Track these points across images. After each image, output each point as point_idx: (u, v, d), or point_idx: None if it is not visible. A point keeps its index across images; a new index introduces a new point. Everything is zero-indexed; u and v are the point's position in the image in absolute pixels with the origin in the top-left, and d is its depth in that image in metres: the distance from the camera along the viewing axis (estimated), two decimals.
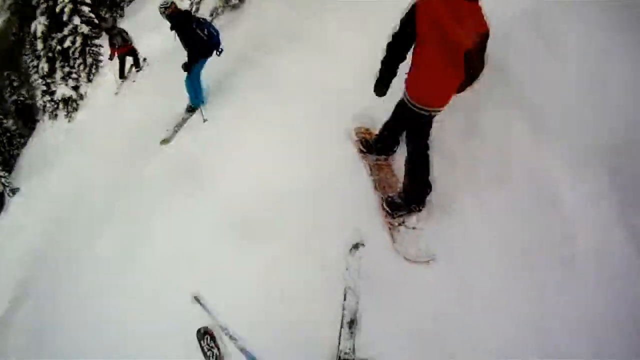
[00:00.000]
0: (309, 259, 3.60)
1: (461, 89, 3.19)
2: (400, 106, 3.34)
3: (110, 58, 11.55)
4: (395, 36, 3.04)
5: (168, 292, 4.14)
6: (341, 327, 3.15)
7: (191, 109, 7.03)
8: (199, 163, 5.63)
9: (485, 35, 2.90)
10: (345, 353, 3.09)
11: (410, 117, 3.24)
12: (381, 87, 3.35)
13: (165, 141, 6.90)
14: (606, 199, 3.05)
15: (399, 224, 3.49)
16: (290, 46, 6.49)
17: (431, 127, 3.32)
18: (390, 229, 3.49)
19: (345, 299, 3.27)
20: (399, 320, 3.06)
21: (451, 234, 3.33)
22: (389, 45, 3.12)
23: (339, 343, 3.12)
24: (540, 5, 4.03)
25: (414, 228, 3.44)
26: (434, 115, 3.23)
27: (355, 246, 3.49)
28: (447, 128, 3.64)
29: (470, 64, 2.96)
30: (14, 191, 23.76)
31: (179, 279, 4.19)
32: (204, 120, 6.48)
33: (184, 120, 7.06)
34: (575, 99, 3.44)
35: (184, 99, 7.05)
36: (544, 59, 3.75)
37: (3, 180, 25.54)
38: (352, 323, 3.18)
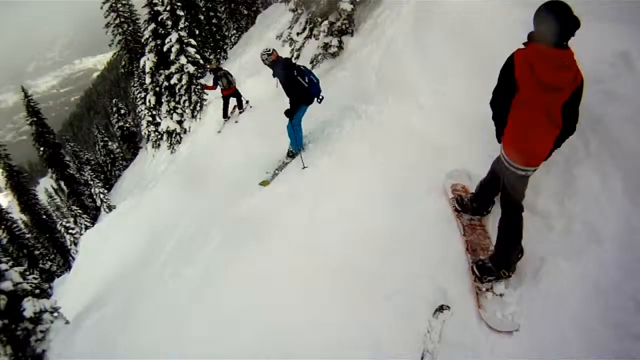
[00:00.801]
0: (391, 312, 3.57)
1: (558, 144, 3.12)
2: (497, 165, 3.32)
3: (212, 87, 12.01)
4: (495, 91, 3.09)
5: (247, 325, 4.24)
6: None
7: (291, 154, 7.20)
8: (294, 208, 5.72)
9: (581, 84, 2.84)
10: None
11: (506, 176, 3.17)
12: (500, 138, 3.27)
13: (265, 182, 7.07)
14: None
15: (487, 289, 3.39)
16: (389, 96, 6.54)
17: (526, 186, 3.23)
18: (477, 293, 3.40)
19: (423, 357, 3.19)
20: None
21: (540, 304, 3.13)
22: (492, 102, 3.16)
23: None
24: (633, 44, 3.83)
25: (501, 295, 3.31)
26: (530, 174, 3.13)
27: (440, 309, 3.40)
28: (541, 187, 3.56)
29: (567, 116, 2.91)
30: (110, 208, 25.67)
31: (262, 321, 4.22)
32: (303, 167, 6.55)
33: (284, 164, 7.21)
34: None
35: (284, 143, 7.28)
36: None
37: (102, 196, 27.73)
38: None
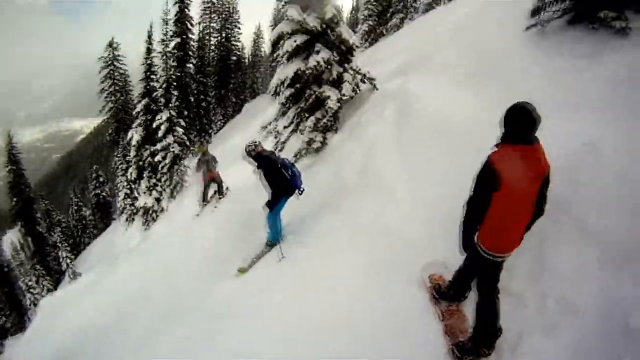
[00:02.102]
0: None
1: (529, 227, 3.39)
2: (473, 254, 3.46)
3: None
4: (475, 201, 3.27)
5: None
6: None
7: (270, 244, 7.20)
8: (269, 297, 5.73)
9: (549, 173, 3.16)
10: None
11: (483, 265, 3.41)
12: (466, 245, 3.46)
13: (242, 270, 7.03)
14: None
15: None
16: (366, 191, 6.80)
17: (501, 271, 3.46)
18: None
19: None
20: None
21: None
22: (471, 210, 3.32)
23: None
24: (602, 135, 4.40)
25: None
26: (505, 260, 3.39)
27: None
28: (515, 269, 3.79)
29: (539, 203, 3.22)
30: (75, 274, 24.70)
31: None
32: (281, 258, 6.57)
33: (263, 253, 7.20)
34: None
35: (263, 233, 7.34)
36: (604, 184, 3.98)
37: (68, 261, 26.78)
38: None
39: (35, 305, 25.79)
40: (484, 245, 3.29)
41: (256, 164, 6.77)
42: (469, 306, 4.00)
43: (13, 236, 42.24)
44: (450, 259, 4.38)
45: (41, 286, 28.22)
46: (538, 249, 3.91)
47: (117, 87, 29.53)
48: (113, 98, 29.58)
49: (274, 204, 6.77)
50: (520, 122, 3.00)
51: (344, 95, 9.64)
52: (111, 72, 29.08)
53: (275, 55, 10.05)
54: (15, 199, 30.10)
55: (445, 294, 4.20)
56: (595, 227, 3.79)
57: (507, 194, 3.06)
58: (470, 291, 4.02)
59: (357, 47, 10.14)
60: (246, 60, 40.07)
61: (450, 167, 5.65)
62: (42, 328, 14.01)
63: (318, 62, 8.95)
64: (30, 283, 28.23)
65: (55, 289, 26.23)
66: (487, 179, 3.09)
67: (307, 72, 9.11)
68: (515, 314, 3.60)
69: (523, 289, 3.76)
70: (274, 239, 7.08)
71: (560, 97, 5.53)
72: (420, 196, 5.73)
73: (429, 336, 3.89)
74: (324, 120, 9.43)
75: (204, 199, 12.41)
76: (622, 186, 3.89)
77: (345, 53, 9.83)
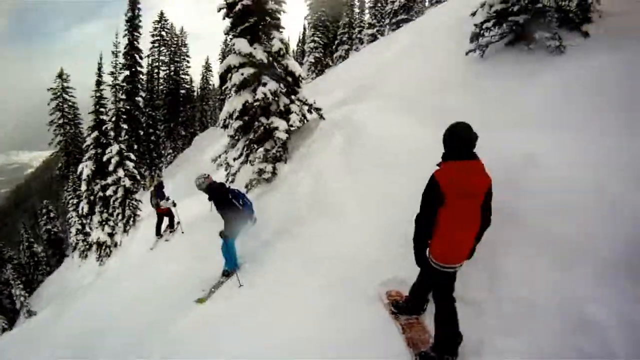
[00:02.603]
0: None
1: (479, 238, 3.60)
2: (426, 267, 3.61)
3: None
4: (423, 207, 3.42)
5: None
6: None
7: (227, 274, 7.24)
8: (229, 325, 5.71)
9: (490, 185, 3.38)
10: None
11: (436, 277, 3.55)
12: (420, 259, 3.58)
13: (201, 300, 7.00)
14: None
15: None
16: (319, 217, 6.99)
17: (455, 280, 3.60)
18: None
19: None
20: None
21: None
22: (420, 226, 3.47)
23: None
24: (537, 147, 4.74)
25: None
26: (458, 270, 3.55)
27: None
28: (470, 279, 3.92)
29: (484, 214, 3.44)
30: (30, 313, 23.68)
31: None
32: (240, 286, 6.63)
33: (220, 283, 7.23)
34: (583, 217, 3.88)
35: (219, 263, 7.35)
36: (547, 193, 4.25)
37: (22, 299, 25.68)
38: None
39: None
40: (435, 258, 3.44)
41: (208, 196, 6.92)
42: (429, 318, 4.09)
43: None
44: (406, 275, 4.52)
45: None
46: (490, 258, 4.09)
47: (66, 120, 28.94)
48: (62, 130, 28.94)
49: (228, 234, 6.85)
50: (458, 140, 3.26)
51: (291, 125, 9.92)
52: (60, 103, 28.55)
53: (224, 88, 10.21)
54: None
55: (404, 307, 4.35)
56: (542, 233, 4.02)
57: (451, 207, 3.26)
58: (428, 303, 4.20)
59: (303, 78, 10.46)
60: (195, 93, 40.35)
61: (400, 189, 5.91)
62: None
63: (265, 94, 9.17)
64: None
65: (11, 328, 25.09)
66: (432, 196, 3.28)
67: (255, 104, 9.32)
68: (474, 321, 3.73)
69: (479, 297, 3.93)
70: (231, 268, 7.13)
71: (500, 116, 5.97)
72: (371, 218, 6.00)
73: (393, 349, 3.98)
74: (273, 151, 9.66)
75: (158, 233, 12.35)
76: (563, 193, 4.15)
77: (292, 84, 10.13)
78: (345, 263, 5.51)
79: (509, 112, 6.09)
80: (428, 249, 3.54)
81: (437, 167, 3.37)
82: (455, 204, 3.26)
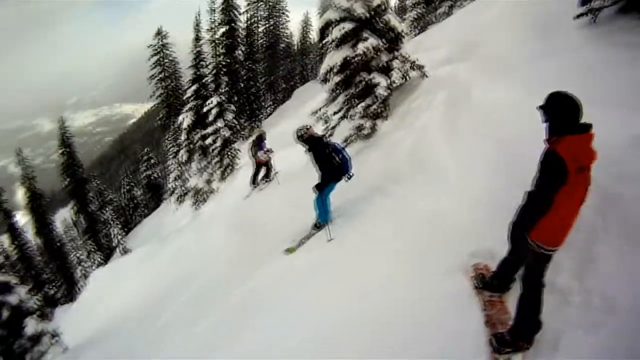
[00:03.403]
0: None
1: None
2: (525, 247, 3.36)
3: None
4: (544, 197, 3.12)
5: None
6: None
7: (318, 226, 7.31)
8: (315, 277, 5.87)
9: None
10: None
11: (536, 259, 3.28)
12: (522, 239, 3.37)
13: (290, 250, 7.19)
14: None
15: None
16: (415, 178, 6.79)
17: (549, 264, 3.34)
18: None
19: None
20: None
21: None
22: (538, 207, 3.18)
23: None
24: None
25: None
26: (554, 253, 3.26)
27: None
28: (561, 265, 3.62)
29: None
30: (126, 250, 25.84)
31: None
32: (329, 240, 6.68)
33: (311, 234, 7.34)
34: None
35: (310, 215, 7.42)
36: None
37: (119, 237, 28.01)
38: None
39: (85, 277, 27.49)
40: (542, 240, 3.15)
41: (307, 147, 6.87)
42: (511, 298, 3.87)
43: (66, 214, 44.37)
44: (497, 248, 4.23)
45: (92, 260, 29.81)
46: (584, 244, 3.75)
47: (166, 74, 30.29)
48: (163, 84, 30.39)
49: (323, 187, 6.86)
50: (570, 110, 2.99)
51: (393, 82, 9.67)
52: (160, 59, 29.84)
53: (323, 42, 10.13)
54: (68, 180, 31.56)
55: (489, 284, 4.13)
56: None
57: (572, 186, 2.99)
58: (514, 283, 3.96)
59: (405, 34, 10.07)
60: (295, 47, 40.30)
61: (501, 157, 5.57)
62: (89, 301, 15.16)
63: (366, 49, 8.95)
64: (81, 257, 29.89)
65: (106, 263, 27.50)
66: (557, 173, 3.00)
67: (355, 59, 9.13)
68: (558, 310, 3.48)
69: (567, 286, 3.62)
70: (323, 221, 7.15)
71: (607, 90, 5.32)
72: (470, 184, 5.66)
73: (470, 325, 3.83)
74: (374, 107, 9.46)
75: (254, 182, 12.71)
76: None
77: (393, 40, 9.78)
78: (437, 228, 5.31)
79: (619, 85, 5.40)
80: (534, 228, 3.22)
81: (555, 140, 3.07)
82: (576, 182, 2.98)
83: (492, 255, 4.36)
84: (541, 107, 3.15)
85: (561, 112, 3.04)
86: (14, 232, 28.93)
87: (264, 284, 6.61)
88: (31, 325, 10.08)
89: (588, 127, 3.00)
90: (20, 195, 30.30)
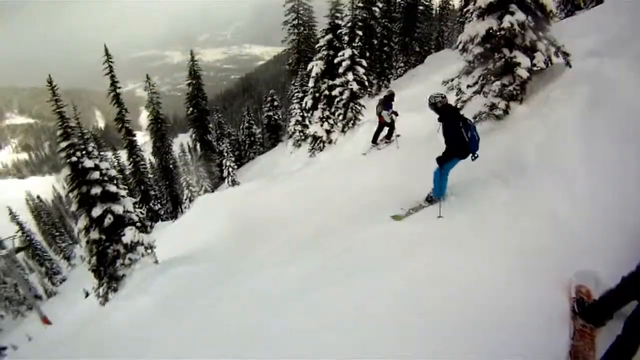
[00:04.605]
0: None
1: None
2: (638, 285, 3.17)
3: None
4: None
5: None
6: None
7: (430, 200, 7.28)
8: (417, 251, 5.79)
9: None
10: None
11: None
12: None
13: (397, 217, 7.19)
14: None
15: None
16: (541, 174, 6.40)
17: None
18: None
19: None
20: None
21: None
22: None
23: None
24: None
25: None
26: None
27: None
28: None
29: None
30: (234, 182, 27.66)
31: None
32: (439, 216, 6.64)
33: (421, 206, 7.33)
34: None
35: (426, 186, 7.35)
36: None
37: (231, 169, 29.94)
38: None
39: (191, 200, 29.71)
40: None
41: (438, 116, 6.69)
42: (603, 335, 3.64)
43: (184, 139, 47.91)
44: (604, 276, 4.00)
45: (200, 186, 31.95)
46: None
47: (301, 21, 30.90)
48: (296, 30, 31.07)
49: (445, 161, 6.70)
50: None
51: (535, 65, 9.05)
52: (295, 5, 30.42)
53: (465, 10, 9.76)
54: (191, 109, 33.86)
55: (587, 311, 3.80)
56: None
57: None
58: (611, 320, 3.63)
59: (554, 14, 9.42)
60: (434, 11, 38.89)
61: None
62: (190, 223, 16.10)
63: (512, 24, 8.49)
64: (190, 181, 32.04)
65: (213, 191, 29.50)
66: None
67: (499, 32, 8.74)
68: None
69: None
70: (437, 196, 7.07)
71: None
72: (600, 194, 5.23)
73: (554, 350, 3.67)
74: (511, 88, 9.09)
75: (374, 140, 12.85)
76: None
77: (541, 19, 9.08)
78: (549, 236, 5.05)
79: None
80: None
81: None
82: None
83: (598, 281, 4.10)
84: None
85: None
86: (132, 148, 31.22)
87: (363, 244, 6.62)
88: (129, 235, 10.98)
89: None
90: (143, 116, 32.99)
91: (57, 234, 48.80)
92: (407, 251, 5.84)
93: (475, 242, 5.52)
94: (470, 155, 6.60)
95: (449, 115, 6.56)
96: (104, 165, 11.02)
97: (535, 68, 9.20)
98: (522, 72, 8.87)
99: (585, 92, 7.49)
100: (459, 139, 6.45)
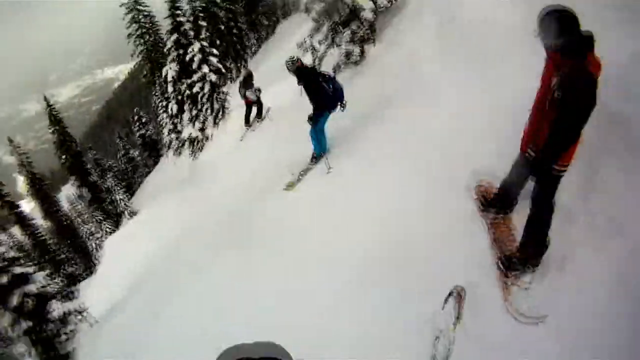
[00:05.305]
0: (414, 299, 3.74)
1: None
2: (529, 165, 3.30)
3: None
4: (577, 124, 2.83)
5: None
6: None
7: (315, 158, 7.30)
8: (320, 209, 5.96)
9: None
10: None
11: (554, 181, 3.16)
12: (548, 166, 3.10)
13: (290, 185, 7.24)
14: None
15: (512, 283, 3.43)
16: (410, 102, 6.64)
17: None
18: (503, 287, 3.44)
19: (434, 346, 3.33)
20: None
21: (565, 295, 3.15)
22: (572, 138, 2.92)
23: None
24: None
25: (526, 288, 3.35)
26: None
27: (451, 293, 3.54)
28: (563, 183, 3.33)
29: None
30: (132, 214, 26.10)
31: (288, 315, 4.56)
32: (328, 170, 6.69)
33: (309, 168, 7.35)
34: None
35: (308, 149, 7.38)
36: None
37: (124, 203, 28.33)
38: None
39: (99, 248, 27.75)
40: (563, 162, 3.03)
41: (297, 79, 6.74)
42: (516, 218, 3.85)
43: (68, 191, 44.55)
44: (498, 169, 4.09)
45: (102, 230, 30.02)
46: (588, 162, 3.60)
47: (144, 29, 29.40)
48: (142, 40, 29.41)
49: (317, 118, 6.79)
50: (574, 27, 2.67)
51: (379, 5, 9.31)
52: (135, 15, 28.89)
53: None
54: (64, 157, 31.43)
55: (492, 204, 4.05)
56: None
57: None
58: (517, 204, 3.88)
59: None
60: None
61: (496, 78, 5.28)
62: (107, 271, 15.65)
63: None
64: (92, 229, 30.37)
65: (116, 230, 27.79)
66: (591, 98, 2.72)
67: None
68: (563, 230, 3.41)
69: (571, 204, 3.53)
70: (319, 153, 7.16)
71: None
72: (465, 105, 5.47)
73: (476, 246, 3.83)
74: (360, 33, 9.20)
75: (247, 122, 12.68)
76: None
77: None
78: (437, 151, 5.21)
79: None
80: (546, 149, 3.03)
81: (579, 60, 2.73)
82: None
83: (494, 175, 4.23)
84: (543, 29, 2.80)
85: (565, 27, 2.70)
86: (23, 222, 29.04)
87: (275, 216, 6.74)
88: (56, 308, 10.42)
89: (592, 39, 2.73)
90: (21, 183, 30.36)
91: None
92: (313, 211, 6.10)
93: (370, 181, 5.68)
94: (339, 105, 6.79)
95: (305, 75, 6.65)
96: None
97: (380, 8, 9.30)
98: (368, 15, 9.02)
99: (432, 16, 7.81)
100: (322, 93, 6.59)
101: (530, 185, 3.43)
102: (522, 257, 3.41)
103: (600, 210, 3.40)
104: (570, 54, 2.78)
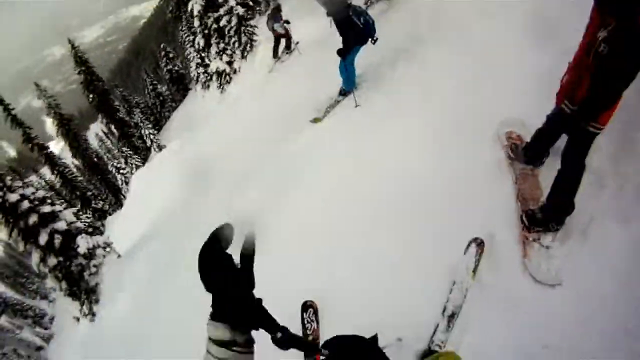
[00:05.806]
0: (432, 245, 3.72)
1: None
2: (564, 120, 3.18)
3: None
4: (627, 82, 2.65)
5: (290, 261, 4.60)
6: (442, 317, 3.18)
7: (344, 93, 7.26)
8: (344, 144, 5.95)
9: None
10: (437, 345, 3.02)
11: (583, 136, 3.00)
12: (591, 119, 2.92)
13: (317, 120, 7.26)
14: None
15: (534, 240, 3.32)
16: (444, 40, 6.40)
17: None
18: (524, 242, 3.34)
19: (450, 292, 3.28)
20: (505, 335, 2.91)
21: (586, 262, 3.04)
22: (619, 91, 2.73)
23: (434, 333, 3.11)
24: None
25: (547, 247, 3.24)
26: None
27: (470, 244, 3.48)
28: (598, 146, 3.24)
29: None
30: (160, 147, 26.77)
31: (301, 252, 4.67)
32: (356, 106, 6.66)
33: (336, 102, 7.32)
34: None
35: (336, 83, 7.28)
36: None
37: (152, 137, 28.88)
38: (452, 317, 3.15)
39: (127, 184, 28.59)
40: (600, 122, 2.85)
41: (326, 11, 6.49)
42: (545, 173, 3.70)
43: (97, 128, 45.34)
44: (530, 118, 4.00)
45: (130, 165, 30.65)
46: (624, 130, 3.43)
47: None
48: None
49: (347, 52, 6.58)
50: None
51: None
52: None
53: None
54: (91, 96, 31.74)
55: (522, 155, 3.88)
56: None
57: None
58: (548, 157, 3.74)
59: None
60: None
61: (544, 25, 4.99)
62: (134, 205, 16.00)
63: None
64: (119, 165, 30.88)
65: (144, 164, 28.29)
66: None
67: None
68: (590, 193, 3.28)
69: (604, 169, 3.38)
70: (348, 88, 7.07)
71: None
72: (501, 51, 5.18)
73: (502, 197, 3.73)
74: None
75: (275, 55, 12.66)
76: None
77: None
78: (466, 95, 5.02)
79: None
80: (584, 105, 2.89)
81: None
82: None
83: (525, 125, 4.15)
84: None
85: None
86: (52, 162, 29.23)
87: (302, 149, 6.74)
88: (83, 244, 10.89)
89: None
90: (49, 125, 30.47)
91: (23, 280, 45.93)
92: (335, 145, 6.07)
93: (399, 122, 5.54)
94: (370, 39, 6.55)
95: (336, 7, 6.36)
96: (29, 191, 10.67)
97: None
98: None
99: None
100: (353, 27, 6.34)
101: (563, 141, 3.22)
102: (545, 215, 3.31)
103: (631, 177, 3.26)
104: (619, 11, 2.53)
